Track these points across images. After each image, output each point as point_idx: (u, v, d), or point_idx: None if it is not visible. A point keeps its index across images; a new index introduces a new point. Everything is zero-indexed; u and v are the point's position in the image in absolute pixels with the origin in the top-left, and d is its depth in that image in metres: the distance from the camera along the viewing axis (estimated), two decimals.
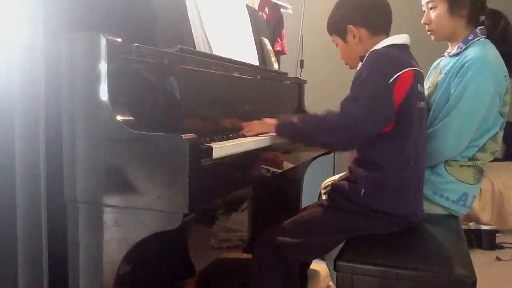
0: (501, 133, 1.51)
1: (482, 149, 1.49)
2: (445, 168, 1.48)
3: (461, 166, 1.49)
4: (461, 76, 1.43)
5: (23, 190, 0.94)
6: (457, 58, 1.51)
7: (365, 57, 1.24)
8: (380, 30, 1.30)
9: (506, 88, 1.48)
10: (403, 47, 1.27)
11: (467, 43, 1.51)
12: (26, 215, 0.94)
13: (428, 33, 1.58)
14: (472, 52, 1.46)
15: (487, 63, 1.42)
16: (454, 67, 1.48)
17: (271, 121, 1.30)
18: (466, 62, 1.44)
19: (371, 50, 1.26)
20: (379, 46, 1.26)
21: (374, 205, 1.21)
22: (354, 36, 1.30)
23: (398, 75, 1.16)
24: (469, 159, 1.49)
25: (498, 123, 1.49)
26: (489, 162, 1.54)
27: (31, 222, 0.94)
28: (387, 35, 1.30)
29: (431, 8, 1.54)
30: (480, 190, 3.01)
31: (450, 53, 1.59)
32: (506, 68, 1.48)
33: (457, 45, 1.53)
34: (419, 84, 1.24)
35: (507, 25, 1.56)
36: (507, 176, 3.21)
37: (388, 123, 1.18)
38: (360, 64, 1.30)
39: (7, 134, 0.93)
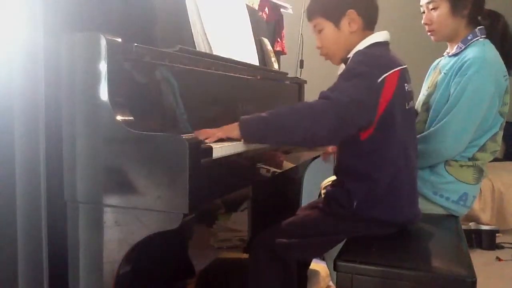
0: (501, 133, 1.52)
1: (482, 149, 1.49)
2: (445, 168, 1.48)
3: (461, 166, 1.49)
4: (461, 75, 1.44)
5: (23, 190, 0.94)
6: (456, 58, 1.51)
7: (349, 59, 1.20)
8: (371, 26, 1.23)
9: (505, 87, 1.49)
10: (385, 44, 1.22)
11: (466, 43, 1.51)
12: (26, 215, 0.94)
13: (429, 33, 1.58)
14: (471, 52, 1.46)
15: (486, 63, 1.43)
16: (454, 66, 1.49)
17: (231, 125, 1.09)
18: (465, 61, 1.44)
19: (355, 51, 1.20)
20: (362, 46, 1.20)
21: (368, 214, 1.19)
22: (350, 24, 1.20)
23: (385, 77, 1.11)
24: (469, 159, 1.49)
25: (497, 123, 1.50)
26: (489, 162, 1.54)
27: (31, 222, 0.94)
28: (372, 33, 1.23)
29: (432, 9, 1.54)
30: (480, 190, 3.00)
31: (449, 53, 1.59)
32: (505, 68, 1.48)
33: (457, 45, 1.54)
34: (406, 84, 1.19)
35: (506, 25, 1.56)
36: (507, 176, 3.22)
37: (371, 118, 1.12)
38: (342, 66, 1.26)
39: (7, 134, 0.93)
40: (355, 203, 1.18)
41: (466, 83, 1.42)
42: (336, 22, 1.22)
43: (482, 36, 1.51)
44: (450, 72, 1.49)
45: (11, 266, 0.96)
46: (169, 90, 1.06)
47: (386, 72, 1.12)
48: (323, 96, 1.10)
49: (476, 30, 1.51)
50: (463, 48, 1.51)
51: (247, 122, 1.07)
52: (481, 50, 1.46)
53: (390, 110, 1.13)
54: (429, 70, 1.72)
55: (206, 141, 1.00)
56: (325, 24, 1.23)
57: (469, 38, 1.51)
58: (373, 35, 1.22)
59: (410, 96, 1.22)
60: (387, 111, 1.13)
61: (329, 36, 1.24)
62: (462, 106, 1.42)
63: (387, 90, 1.12)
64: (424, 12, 1.58)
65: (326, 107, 1.07)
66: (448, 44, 1.61)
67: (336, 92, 1.08)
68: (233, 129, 1.07)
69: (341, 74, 1.14)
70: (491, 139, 1.50)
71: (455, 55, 1.53)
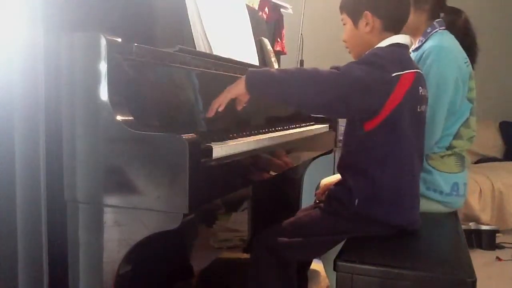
0: (473, 119, 1.55)
1: (457, 136, 1.52)
2: (428, 163, 1.49)
3: (442, 157, 1.51)
4: (421, 65, 1.46)
5: (23, 190, 0.94)
6: (419, 51, 1.55)
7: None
8: (394, 27, 1.24)
9: (469, 73, 1.53)
10: (405, 47, 1.24)
11: (426, 36, 1.56)
12: (26, 215, 0.94)
13: None
14: (430, 42, 1.51)
15: (444, 50, 1.47)
16: (415, 60, 1.51)
17: (238, 80, 1.13)
18: (424, 52, 1.49)
19: (374, 47, 1.22)
20: (383, 44, 1.22)
21: (370, 214, 1.19)
22: (366, 24, 1.22)
23: (400, 74, 1.13)
24: (447, 149, 1.52)
25: (467, 109, 1.53)
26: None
27: (31, 222, 0.94)
28: (396, 34, 1.24)
29: None
30: (480, 190, 3.02)
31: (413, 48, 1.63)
32: (466, 55, 1.53)
33: (418, 39, 1.58)
34: (420, 87, 1.20)
35: (467, 21, 1.64)
36: (507, 176, 3.21)
37: (375, 107, 1.13)
38: None
39: (7, 134, 0.93)
40: (356, 201, 1.18)
41: (427, 72, 1.44)
42: (355, 21, 1.25)
43: (441, 28, 1.55)
44: None
45: (11, 266, 0.96)
46: (169, 90, 1.06)
47: (402, 70, 1.14)
48: (333, 67, 1.12)
49: (435, 22, 1.56)
50: (423, 41, 1.56)
51: (254, 72, 1.11)
52: (438, 39, 1.50)
53: (401, 108, 1.14)
54: None
55: (220, 110, 1.10)
56: (347, 21, 1.28)
57: (428, 31, 1.56)
58: (394, 36, 1.23)
59: (423, 100, 1.23)
60: (397, 109, 1.14)
61: (349, 32, 1.28)
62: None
63: (400, 87, 1.13)
64: None
65: (332, 76, 1.10)
66: (412, 39, 1.64)
67: (347, 67, 1.11)
68: (239, 82, 1.11)
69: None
70: (464, 125, 1.53)
71: (417, 49, 1.57)
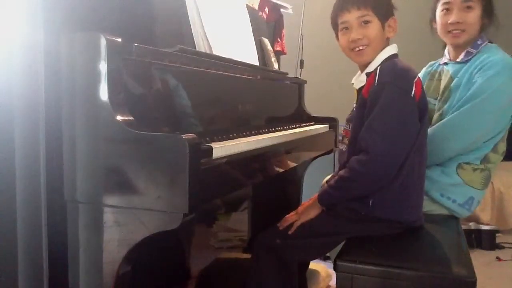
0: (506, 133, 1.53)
1: (493, 150, 1.50)
2: (457, 172, 1.47)
3: (474, 170, 1.48)
4: (482, 76, 1.43)
5: (23, 190, 0.94)
6: (470, 62, 1.51)
7: (376, 76, 1.18)
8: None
9: None
10: (396, 55, 1.27)
11: (477, 48, 1.52)
12: (26, 215, 0.94)
13: (456, 31, 1.53)
14: (492, 54, 1.47)
15: (507, 65, 1.44)
16: (470, 70, 1.48)
17: (310, 202, 1.29)
18: (487, 62, 1.44)
19: (378, 62, 1.24)
20: (382, 56, 1.24)
21: (380, 214, 1.20)
22: (390, 28, 1.27)
23: (414, 86, 1.15)
24: (481, 161, 1.49)
25: (508, 124, 1.51)
26: None
27: (31, 222, 0.94)
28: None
29: (468, 7, 1.51)
30: None
31: (455, 59, 1.57)
32: None
33: (466, 51, 1.53)
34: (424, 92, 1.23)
35: None
36: (507, 176, 3.21)
37: (415, 132, 1.18)
38: (361, 79, 1.28)
39: (7, 134, 0.93)
40: (371, 201, 1.19)
41: (487, 83, 1.41)
42: (383, 22, 1.26)
43: (488, 41, 1.52)
44: (466, 75, 1.48)
45: (11, 266, 0.96)
46: (169, 90, 1.06)
47: (412, 80, 1.16)
48: (367, 150, 1.14)
49: (483, 34, 1.53)
50: (474, 53, 1.51)
51: (322, 195, 1.24)
52: (499, 53, 1.47)
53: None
54: (422, 76, 1.70)
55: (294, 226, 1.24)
56: (373, 19, 1.25)
57: (478, 42, 1.52)
58: (390, 47, 1.27)
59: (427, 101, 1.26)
60: None
61: (374, 32, 1.25)
62: (475, 106, 1.41)
63: (415, 94, 1.17)
64: (447, 10, 1.54)
65: (376, 168, 1.14)
66: (450, 49, 1.60)
67: (379, 145, 1.13)
68: (314, 206, 1.26)
69: (372, 101, 1.16)
70: (502, 139, 1.51)
71: (466, 60, 1.52)
